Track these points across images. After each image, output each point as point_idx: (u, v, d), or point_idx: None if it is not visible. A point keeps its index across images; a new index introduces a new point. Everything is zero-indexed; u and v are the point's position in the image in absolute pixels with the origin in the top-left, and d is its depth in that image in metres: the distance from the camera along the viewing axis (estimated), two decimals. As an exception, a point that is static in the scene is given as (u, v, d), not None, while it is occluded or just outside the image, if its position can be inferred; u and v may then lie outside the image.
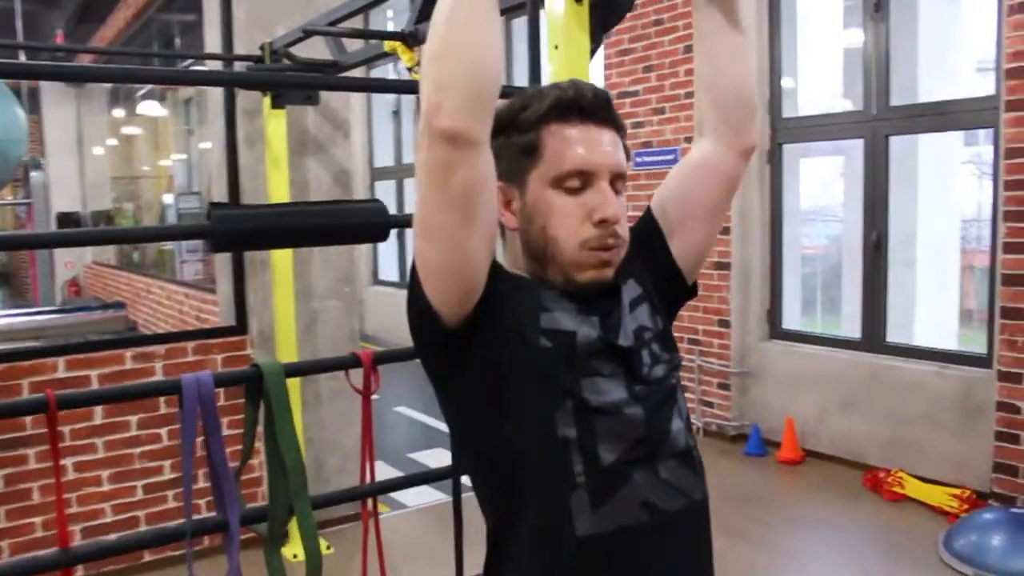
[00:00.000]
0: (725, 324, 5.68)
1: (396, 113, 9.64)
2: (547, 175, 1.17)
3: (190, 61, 5.83)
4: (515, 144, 1.19)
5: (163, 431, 3.78)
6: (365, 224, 1.72)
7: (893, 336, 5.12)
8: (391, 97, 9.48)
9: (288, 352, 3.78)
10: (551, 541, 1.12)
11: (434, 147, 1.03)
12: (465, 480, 2.11)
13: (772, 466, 5.27)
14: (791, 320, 5.76)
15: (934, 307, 5.70)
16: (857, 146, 5.17)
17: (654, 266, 1.31)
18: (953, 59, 5.49)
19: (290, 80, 3.14)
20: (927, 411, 4.65)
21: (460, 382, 1.17)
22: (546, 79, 2.02)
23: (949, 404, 4.53)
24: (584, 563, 1.11)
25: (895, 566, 3.90)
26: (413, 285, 1.14)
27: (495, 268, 1.15)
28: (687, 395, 5.63)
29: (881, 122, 4.92)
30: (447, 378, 1.19)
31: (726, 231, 5.71)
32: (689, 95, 5.70)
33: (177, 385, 1.64)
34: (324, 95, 3.95)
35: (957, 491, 4.35)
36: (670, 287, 1.32)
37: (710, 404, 5.82)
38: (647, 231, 1.33)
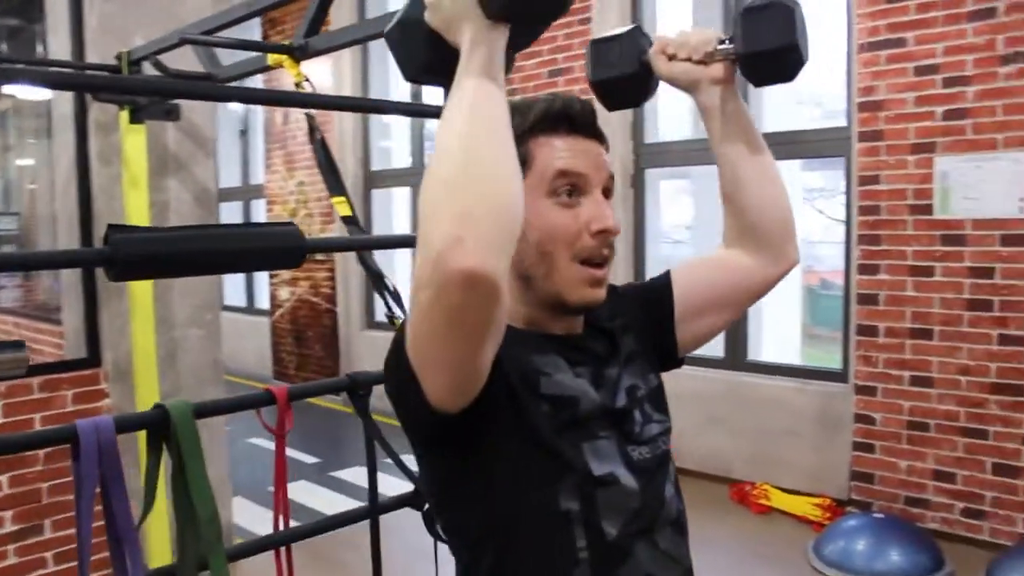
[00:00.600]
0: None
1: (244, 132, 9.27)
2: (540, 185, 1.09)
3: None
4: None
5: (3, 478, 3.40)
6: (278, 249, 1.59)
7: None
8: (238, 115, 9.10)
9: (148, 385, 3.49)
10: None
11: (448, 291, 0.85)
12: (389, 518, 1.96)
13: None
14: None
15: (779, 326, 5.98)
16: (711, 171, 5.34)
17: (652, 331, 1.25)
18: (790, 91, 5.82)
19: (164, 86, 2.90)
20: (788, 425, 4.85)
21: (449, 454, 1.06)
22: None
23: (809, 418, 4.75)
24: None
25: (765, 569, 4.03)
26: (402, 372, 0.98)
27: None
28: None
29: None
30: (434, 450, 1.08)
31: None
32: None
33: (71, 433, 1.44)
34: (186, 111, 3.71)
35: (819, 500, 4.55)
36: (660, 355, 1.27)
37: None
38: (659, 298, 1.27)
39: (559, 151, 1.10)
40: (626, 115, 5.60)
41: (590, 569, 1.03)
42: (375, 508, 1.92)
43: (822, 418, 4.70)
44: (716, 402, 5.22)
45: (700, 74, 1.22)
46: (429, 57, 1.01)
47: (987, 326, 4.02)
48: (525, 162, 1.09)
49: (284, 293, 8.16)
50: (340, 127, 7.54)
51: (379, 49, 7.03)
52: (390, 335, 1.06)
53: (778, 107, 5.54)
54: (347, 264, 7.53)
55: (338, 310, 7.60)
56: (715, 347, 5.64)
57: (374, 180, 7.64)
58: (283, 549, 1.81)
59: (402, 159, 7.73)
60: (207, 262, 1.60)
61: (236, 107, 9.08)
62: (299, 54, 2.55)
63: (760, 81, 1.20)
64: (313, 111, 2.66)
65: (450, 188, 0.86)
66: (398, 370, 0.99)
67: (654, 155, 5.70)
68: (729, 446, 5.15)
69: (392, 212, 7.74)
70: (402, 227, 7.57)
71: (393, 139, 7.92)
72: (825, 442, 4.67)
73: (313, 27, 2.52)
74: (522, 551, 1.04)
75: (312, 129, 2.59)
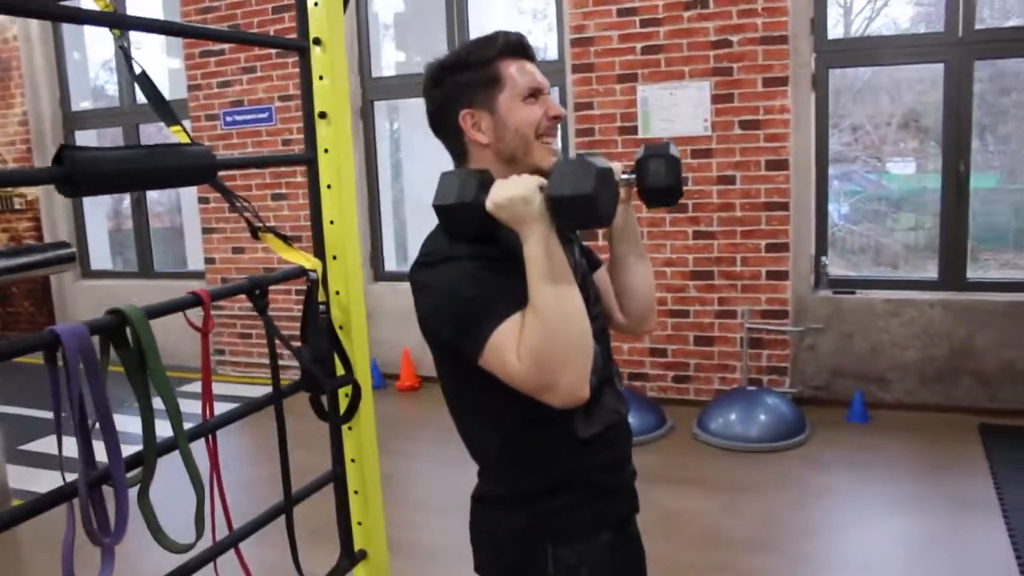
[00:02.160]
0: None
1: None
2: (517, 94, 1.49)
3: None
4: (476, 79, 1.49)
5: None
6: (196, 166, 1.79)
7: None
8: None
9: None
10: (561, 443, 1.47)
11: (567, 403, 1.31)
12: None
13: (394, 395, 5.79)
14: (391, 263, 6.28)
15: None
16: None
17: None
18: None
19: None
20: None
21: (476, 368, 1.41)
22: (314, 31, 2.20)
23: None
24: (585, 454, 1.49)
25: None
26: (469, 351, 1.35)
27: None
28: (295, 343, 5.94)
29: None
30: (464, 367, 1.41)
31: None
32: (281, 55, 5.84)
33: (52, 338, 1.60)
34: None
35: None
36: None
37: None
38: (587, 268, 1.68)
39: (524, 71, 1.51)
40: (354, 50, 5.84)
41: (581, 408, 1.44)
42: (279, 394, 2.17)
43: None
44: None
45: None
46: (478, 232, 1.39)
47: (684, 224, 4.91)
48: (498, 79, 1.50)
49: (-26, 248, 7.42)
50: (30, 65, 6.96)
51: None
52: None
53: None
54: (54, 210, 7.05)
55: (46, 262, 7.08)
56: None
57: (76, 121, 7.16)
58: (210, 436, 2.02)
59: (105, 99, 7.34)
60: (149, 179, 1.77)
61: None
62: (108, -13, 2.55)
63: (652, 204, 1.61)
64: (123, 43, 2.68)
65: (578, 348, 1.30)
66: (462, 348, 1.37)
67: (382, 88, 6.03)
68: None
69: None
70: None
71: (95, 76, 7.47)
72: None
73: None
74: (539, 406, 1.39)
75: (129, 60, 2.62)
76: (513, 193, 1.32)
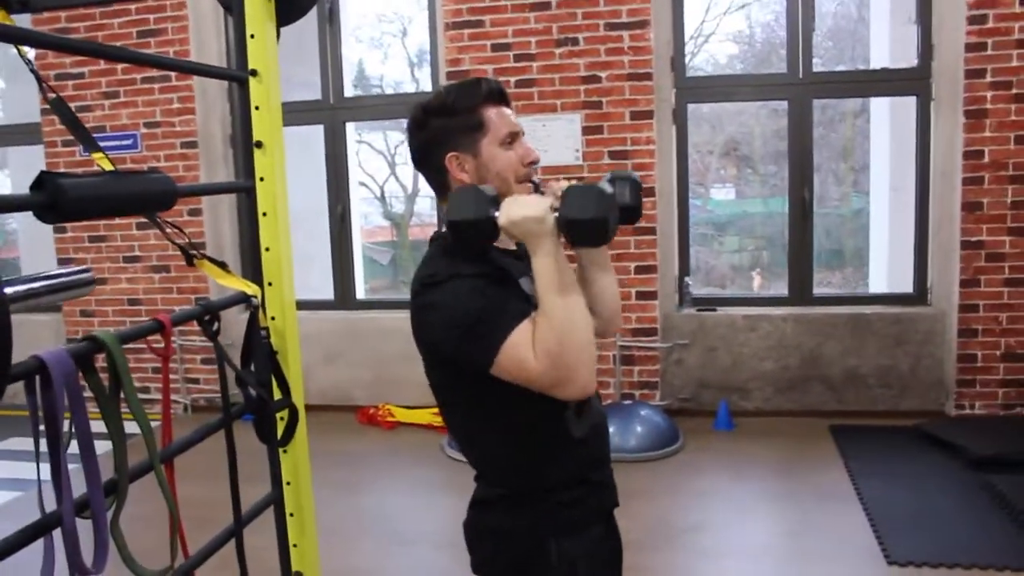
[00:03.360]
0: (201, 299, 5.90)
1: None
2: (496, 140, 1.64)
3: None
4: (461, 124, 1.63)
5: None
6: (164, 192, 1.84)
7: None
8: None
9: None
10: (558, 443, 1.63)
11: (579, 395, 1.48)
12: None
13: (272, 425, 5.69)
14: (263, 292, 6.21)
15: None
16: (318, 131, 5.85)
17: None
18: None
19: None
20: (403, 350, 5.49)
21: (476, 379, 1.54)
22: (252, 63, 2.28)
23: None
24: (578, 450, 1.65)
25: (413, 467, 4.84)
26: (477, 362, 1.49)
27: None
28: (173, 376, 5.79)
29: (339, 111, 5.72)
30: (469, 378, 1.55)
31: (196, 212, 5.88)
32: (147, 79, 5.71)
33: (37, 365, 1.61)
34: None
35: (435, 408, 5.36)
36: None
37: (196, 380, 6.00)
38: None
39: (503, 117, 1.67)
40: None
41: (572, 411, 1.63)
42: (228, 417, 2.22)
43: (434, 340, 5.54)
44: (331, 340, 5.79)
45: None
46: (484, 244, 1.54)
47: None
48: (482, 124, 1.64)
49: None
50: None
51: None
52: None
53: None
54: None
55: None
56: (324, 290, 6.16)
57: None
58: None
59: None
60: (123, 205, 1.80)
61: None
62: (16, 6, 2.45)
63: (619, 222, 1.71)
64: (34, 66, 2.61)
65: (587, 346, 1.46)
66: (473, 358, 1.50)
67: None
68: (348, 377, 5.76)
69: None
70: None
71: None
72: (438, 359, 5.52)
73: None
74: (537, 410, 1.57)
75: (42, 84, 2.56)
76: (527, 213, 1.46)
